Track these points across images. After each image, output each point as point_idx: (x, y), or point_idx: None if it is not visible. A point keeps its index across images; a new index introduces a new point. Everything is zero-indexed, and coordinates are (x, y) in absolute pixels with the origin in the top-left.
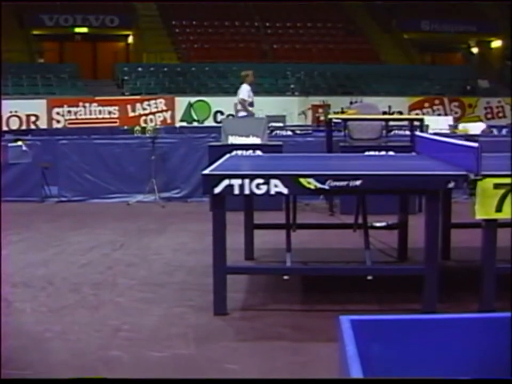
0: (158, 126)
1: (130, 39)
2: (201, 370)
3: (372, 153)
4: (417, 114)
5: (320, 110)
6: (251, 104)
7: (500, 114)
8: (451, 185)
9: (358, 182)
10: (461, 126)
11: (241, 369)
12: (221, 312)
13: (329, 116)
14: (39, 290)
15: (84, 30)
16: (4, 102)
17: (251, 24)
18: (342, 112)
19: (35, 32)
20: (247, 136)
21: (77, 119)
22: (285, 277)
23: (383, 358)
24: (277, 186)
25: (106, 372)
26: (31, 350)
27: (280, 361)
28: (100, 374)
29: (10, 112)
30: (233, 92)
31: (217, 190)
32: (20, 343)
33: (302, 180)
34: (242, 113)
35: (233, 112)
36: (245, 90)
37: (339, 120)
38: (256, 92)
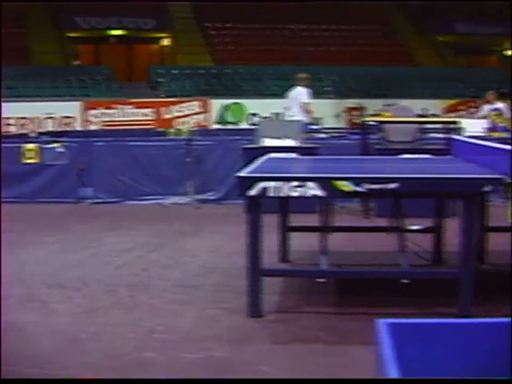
0: (193, 128)
1: (165, 41)
2: (235, 372)
3: (407, 156)
4: (452, 117)
5: (355, 113)
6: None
7: None
8: (487, 188)
9: (393, 185)
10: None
11: (274, 371)
12: (255, 315)
13: (365, 119)
14: (74, 292)
15: (119, 32)
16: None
17: (285, 26)
18: (376, 115)
19: (70, 35)
20: (283, 138)
21: (111, 121)
22: (320, 280)
23: (419, 362)
24: (313, 189)
25: (140, 373)
26: (66, 351)
27: (314, 363)
28: (134, 375)
29: (46, 113)
30: (268, 94)
31: (252, 192)
32: (54, 343)
33: (337, 183)
34: (293, 116)
35: (268, 114)
36: (305, 93)
37: (374, 123)
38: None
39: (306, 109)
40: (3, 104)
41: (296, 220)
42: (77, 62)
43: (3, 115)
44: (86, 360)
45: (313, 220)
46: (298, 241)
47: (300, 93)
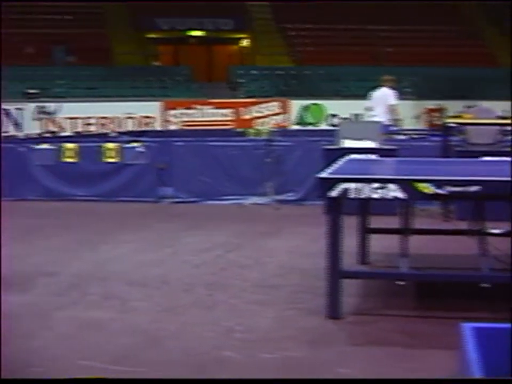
0: (272, 129)
1: (244, 42)
2: (312, 373)
3: (488, 158)
4: None
5: (435, 114)
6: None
7: None
8: None
9: (475, 188)
10: None
11: (352, 373)
12: (333, 316)
13: (446, 120)
14: (154, 290)
15: (199, 33)
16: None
17: (365, 27)
18: (457, 116)
19: (150, 36)
20: (363, 139)
21: (191, 121)
22: (399, 282)
23: (504, 367)
24: (394, 191)
25: (218, 372)
26: (145, 348)
27: (392, 367)
28: (212, 373)
29: (126, 114)
30: (347, 95)
31: (333, 193)
32: (134, 340)
33: (419, 185)
34: (375, 117)
35: (347, 115)
36: (392, 95)
37: (455, 125)
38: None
39: (393, 111)
40: (83, 104)
41: (375, 222)
42: (156, 63)
43: (83, 115)
44: (165, 358)
45: (392, 222)
46: (377, 243)
47: (386, 94)
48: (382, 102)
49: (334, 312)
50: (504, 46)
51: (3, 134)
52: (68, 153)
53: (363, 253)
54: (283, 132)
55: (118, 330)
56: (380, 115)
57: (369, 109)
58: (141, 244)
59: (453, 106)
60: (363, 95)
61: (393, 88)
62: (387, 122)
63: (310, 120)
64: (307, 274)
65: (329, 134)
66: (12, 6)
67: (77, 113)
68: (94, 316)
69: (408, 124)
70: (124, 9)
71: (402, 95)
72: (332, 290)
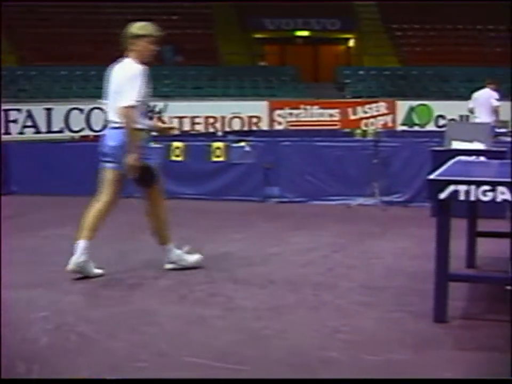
0: (379, 130)
1: (351, 42)
2: (417, 377)
3: None
4: None
5: None
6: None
7: None
8: None
9: None
10: None
11: (458, 378)
12: (440, 320)
13: None
14: (259, 288)
15: (305, 33)
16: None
17: (474, 27)
18: None
19: (257, 36)
20: (471, 141)
21: (297, 121)
22: (508, 287)
23: None
24: (504, 194)
25: (323, 372)
26: (249, 346)
27: (498, 372)
28: (316, 374)
29: (233, 113)
30: (455, 96)
31: (442, 195)
32: (239, 337)
33: None
34: (478, 118)
35: (454, 117)
36: (496, 97)
37: None
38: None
39: (496, 112)
40: (191, 104)
41: (483, 225)
42: (263, 63)
43: (190, 114)
44: (270, 356)
45: (501, 225)
46: (485, 247)
47: (489, 96)
48: (485, 104)
49: (441, 315)
50: None
51: None
52: (175, 152)
53: (471, 257)
54: (390, 132)
55: (223, 328)
56: (481, 117)
57: (471, 110)
58: (246, 243)
59: None
60: (470, 96)
61: (496, 90)
62: (491, 124)
63: (417, 121)
64: (414, 277)
65: (437, 135)
66: (120, 7)
67: (184, 113)
68: (200, 312)
69: None
70: (231, 10)
71: (510, 96)
72: (439, 293)
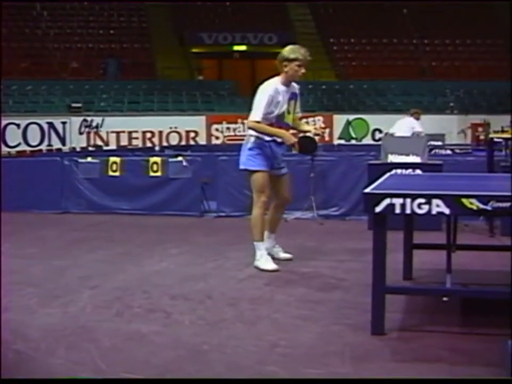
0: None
1: None
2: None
3: None
4: None
5: (480, 129)
6: None
7: None
8: None
9: None
10: None
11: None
12: (378, 332)
13: (490, 135)
14: (198, 304)
15: (243, 47)
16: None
17: (409, 42)
18: (503, 131)
19: (194, 50)
20: (407, 154)
21: (235, 135)
22: (444, 299)
23: None
24: (439, 206)
25: None
26: (188, 361)
27: None
28: None
29: (170, 128)
30: (392, 109)
31: (378, 208)
32: (177, 353)
33: (464, 200)
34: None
35: (391, 130)
36: (418, 124)
37: (500, 140)
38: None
39: None
40: (128, 118)
41: (420, 237)
42: (200, 77)
43: (128, 128)
44: (208, 372)
45: (437, 237)
46: (422, 259)
47: (412, 124)
48: (407, 132)
49: (378, 328)
50: None
51: (47, 148)
52: (112, 167)
53: (408, 269)
54: (327, 146)
55: (161, 344)
56: None
57: (392, 135)
58: (185, 258)
59: (498, 121)
60: (407, 110)
61: (417, 119)
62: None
63: (354, 134)
64: (351, 290)
65: (374, 149)
66: (56, 21)
67: (121, 127)
68: (138, 328)
69: (453, 138)
70: (169, 24)
71: (447, 110)
72: (376, 306)
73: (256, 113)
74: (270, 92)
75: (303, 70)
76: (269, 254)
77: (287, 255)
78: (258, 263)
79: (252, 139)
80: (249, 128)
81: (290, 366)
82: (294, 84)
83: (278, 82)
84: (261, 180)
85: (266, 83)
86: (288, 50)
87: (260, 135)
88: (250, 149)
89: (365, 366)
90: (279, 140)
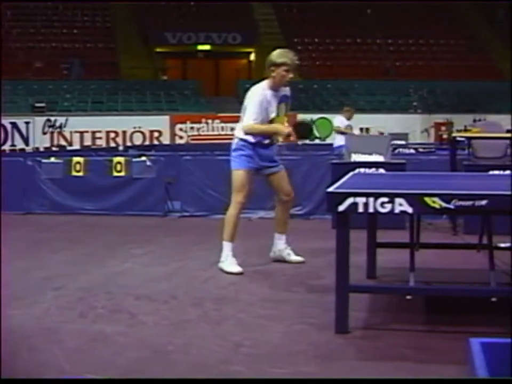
0: (280, 143)
1: (252, 56)
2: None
3: (496, 172)
4: None
5: (443, 128)
6: None
7: None
8: None
9: (483, 202)
10: None
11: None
12: (342, 331)
13: (453, 134)
14: (162, 304)
15: (207, 47)
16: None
17: (373, 42)
18: (465, 130)
19: (159, 50)
20: (370, 154)
21: (199, 135)
22: (408, 297)
23: None
24: (402, 205)
25: None
26: (153, 362)
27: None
28: None
29: (134, 127)
30: (356, 109)
31: (341, 208)
32: (142, 354)
33: (427, 199)
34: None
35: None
36: (343, 122)
37: (463, 139)
38: (378, 110)
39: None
40: (92, 118)
41: (382, 236)
42: (164, 77)
43: (91, 128)
44: (173, 372)
45: (400, 236)
46: (385, 258)
47: (341, 121)
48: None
49: (342, 327)
50: (510, 59)
51: (10, 148)
52: (76, 167)
53: (371, 267)
54: (291, 146)
55: (126, 344)
56: (337, 137)
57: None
58: (149, 258)
59: (461, 120)
60: (371, 109)
61: (348, 118)
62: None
63: (318, 134)
64: (315, 289)
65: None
66: (19, 20)
67: (85, 127)
68: (102, 329)
69: (416, 137)
70: (133, 23)
71: (410, 109)
72: (340, 305)
73: (251, 118)
74: (259, 97)
75: (291, 75)
76: (280, 256)
77: (299, 258)
78: (223, 265)
79: (236, 140)
80: (246, 133)
81: (255, 366)
82: (283, 87)
83: (265, 87)
84: (239, 179)
85: (254, 88)
86: (276, 55)
87: (245, 137)
88: (234, 150)
89: (329, 365)
90: (265, 141)
